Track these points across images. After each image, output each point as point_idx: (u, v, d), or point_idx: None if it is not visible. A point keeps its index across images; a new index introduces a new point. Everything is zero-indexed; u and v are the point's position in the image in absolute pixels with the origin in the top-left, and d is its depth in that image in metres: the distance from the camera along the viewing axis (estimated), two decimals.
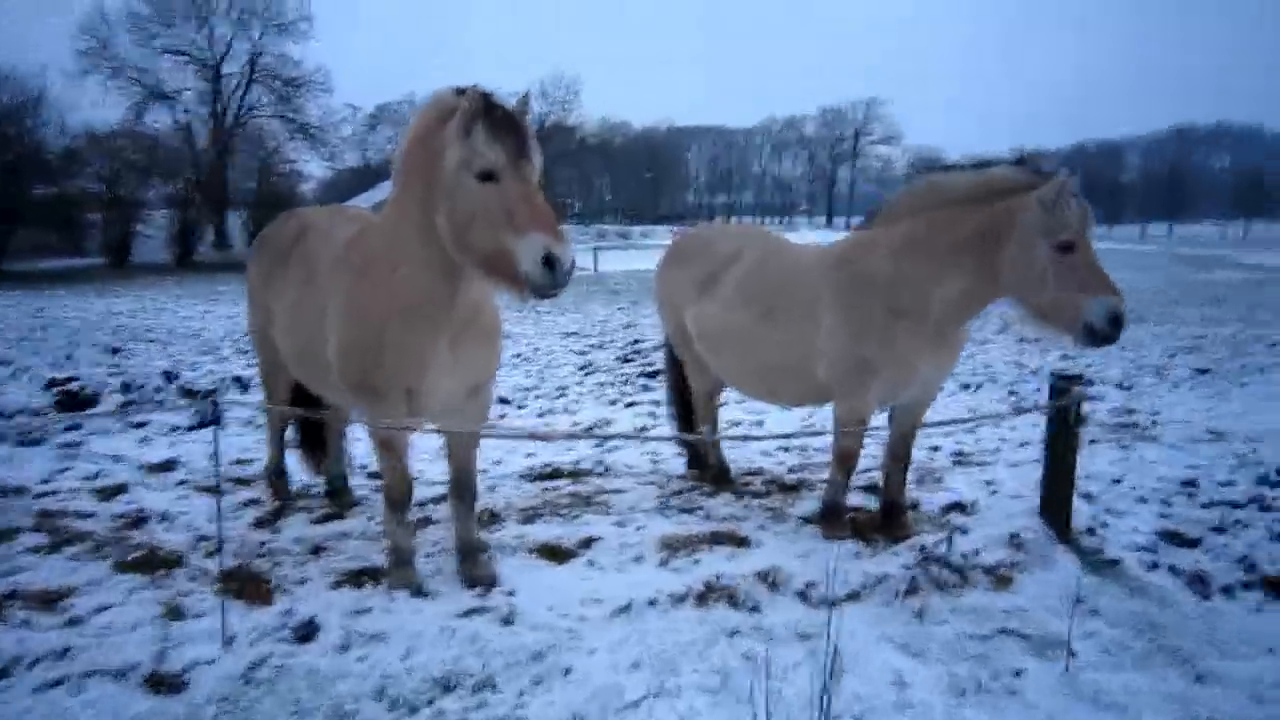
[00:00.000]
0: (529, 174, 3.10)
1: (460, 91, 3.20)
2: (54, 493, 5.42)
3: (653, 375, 10.18)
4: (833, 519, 4.73)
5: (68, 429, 7.07)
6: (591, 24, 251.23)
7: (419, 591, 3.87)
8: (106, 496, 5.37)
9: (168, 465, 6.18)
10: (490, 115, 3.10)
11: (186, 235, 38.19)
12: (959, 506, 5.02)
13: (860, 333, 4.37)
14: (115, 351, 11.59)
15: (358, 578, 4.05)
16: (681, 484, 5.71)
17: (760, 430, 7.35)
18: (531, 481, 5.90)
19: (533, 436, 6.87)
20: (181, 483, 5.73)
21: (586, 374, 10.76)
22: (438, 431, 4.26)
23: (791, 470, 6.03)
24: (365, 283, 3.64)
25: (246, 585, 3.92)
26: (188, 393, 8.79)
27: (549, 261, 2.92)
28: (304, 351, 4.15)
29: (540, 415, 8.28)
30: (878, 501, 4.94)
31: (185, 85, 49.09)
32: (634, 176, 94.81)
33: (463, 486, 4.09)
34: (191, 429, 7.25)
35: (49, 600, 3.71)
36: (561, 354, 12.40)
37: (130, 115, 45.50)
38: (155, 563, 4.15)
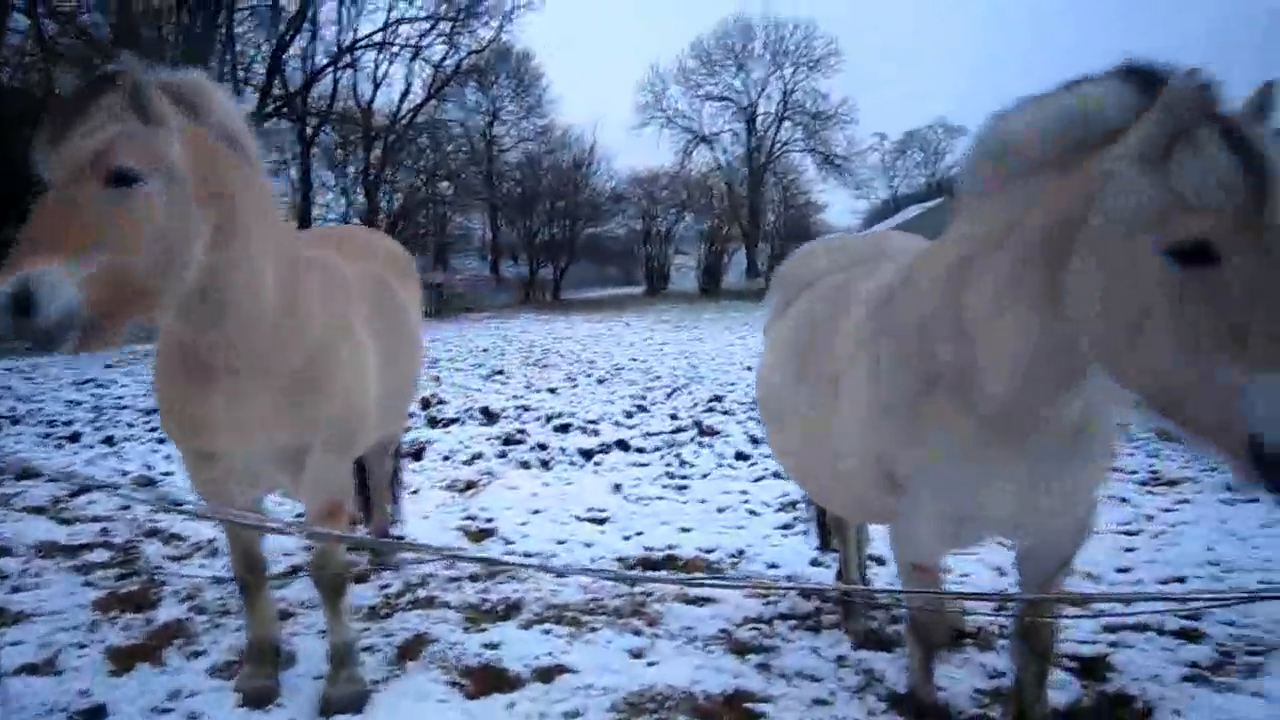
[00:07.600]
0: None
1: (1206, 88, 1.69)
2: None
3: None
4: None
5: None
6: None
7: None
8: None
9: None
10: (1219, 127, 1.67)
11: (716, 266, 41.92)
12: None
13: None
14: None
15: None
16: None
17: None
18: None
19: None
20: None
21: None
22: None
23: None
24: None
25: None
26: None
27: None
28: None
29: None
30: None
31: (725, 127, 54.97)
32: None
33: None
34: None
35: None
36: None
37: (678, 159, 52.32)
38: None
